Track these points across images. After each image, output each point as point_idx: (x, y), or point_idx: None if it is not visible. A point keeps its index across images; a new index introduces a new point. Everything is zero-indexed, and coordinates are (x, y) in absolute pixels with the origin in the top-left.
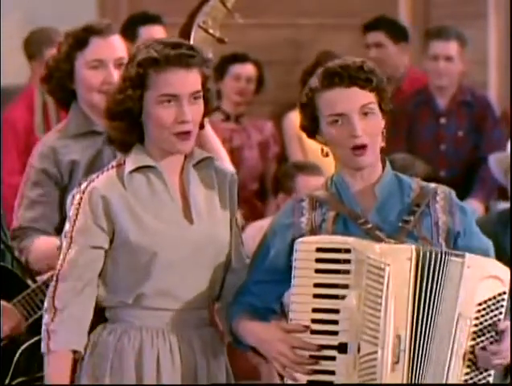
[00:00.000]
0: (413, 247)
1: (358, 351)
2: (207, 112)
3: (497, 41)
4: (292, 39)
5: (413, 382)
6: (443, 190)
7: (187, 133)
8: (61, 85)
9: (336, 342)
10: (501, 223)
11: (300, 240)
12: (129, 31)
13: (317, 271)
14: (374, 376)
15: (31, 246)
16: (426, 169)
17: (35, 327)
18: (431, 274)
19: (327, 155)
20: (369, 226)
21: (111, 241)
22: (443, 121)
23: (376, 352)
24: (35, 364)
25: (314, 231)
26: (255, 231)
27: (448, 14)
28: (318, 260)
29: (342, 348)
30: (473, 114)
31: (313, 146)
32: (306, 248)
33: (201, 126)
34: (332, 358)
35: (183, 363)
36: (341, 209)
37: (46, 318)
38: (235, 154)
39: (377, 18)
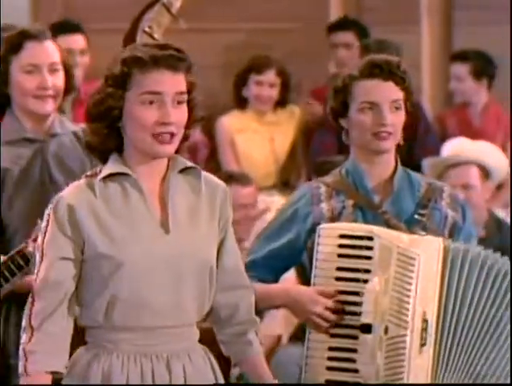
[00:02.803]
0: (440, 239)
1: (386, 332)
2: (191, 122)
3: (430, 46)
4: (227, 43)
5: (439, 364)
6: (447, 188)
7: (170, 136)
8: None
9: (358, 323)
10: None
11: (324, 226)
12: None
13: (340, 256)
14: (402, 357)
15: None
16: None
17: None
18: (466, 270)
19: None
20: (389, 216)
21: (83, 252)
22: None
23: (405, 335)
24: None
25: (335, 218)
26: None
27: (381, 19)
28: (341, 246)
29: (366, 328)
30: (405, 122)
31: (245, 150)
32: (329, 233)
33: (187, 137)
34: (355, 337)
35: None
36: (359, 199)
37: (23, 338)
38: None
39: (344, 19)
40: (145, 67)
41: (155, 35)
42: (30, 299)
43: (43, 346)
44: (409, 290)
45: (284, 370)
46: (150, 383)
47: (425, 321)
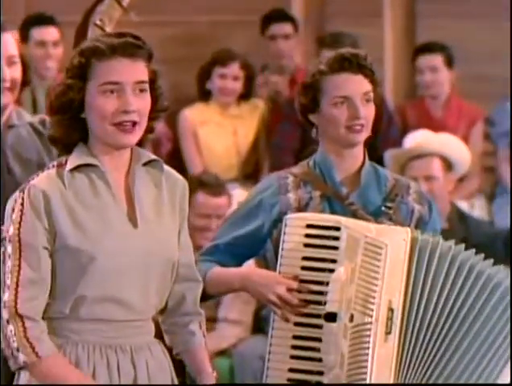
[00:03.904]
0: (408, 229)
1: (351, 320)
2: (155, 112)
3: (393, 38)
4: (186, 36)
5: (403, 354)
6: (414, 184)
7: (132, 125)
8: None
9: (323, 312)
10: None
11: (291, 215)
12: (21, 33)
13: (306, 245)
14: (367, 345)
15: None
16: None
17: None
18: (434, 263)
19: None
20: (356, 207)
21: (54, 242)
22: None
23: (370, 323)
24: None
25: (301, 209)
26: None
27: (343, 11)
28: (307, 236)
29: (330, 317)
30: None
31: (207, 142)
32: (296, 223)
33: (151, 130)
34: (319, 326)
35: (121, 379)
36: (326, 190)
37: (13, 328)
38: None
39: (280, 10)
40: (102, 57)
41: (107, 29)
42: (11, 290)
43: (46, 334)
44: (376, 279)
45: (247, 363)
46: (116, 375)
47: (391, 309)
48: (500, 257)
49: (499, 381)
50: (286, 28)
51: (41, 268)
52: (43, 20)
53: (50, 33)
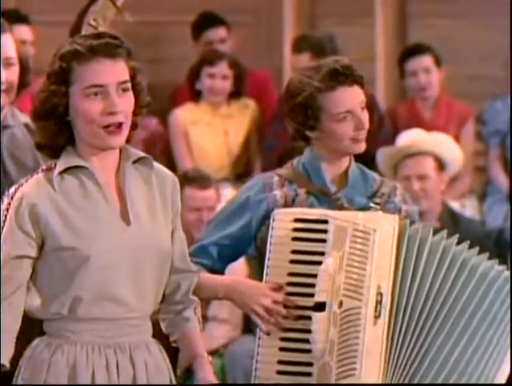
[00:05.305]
0: (396, 217)
1: (340, 306)
2: (138, 108)
3: (385, 38)
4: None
5: (393, 336)
6: (400, 186)
7: (118, 126)
8: None
9: (311, 304)
10: None
11: (278, 211)
12: None
13: (294, 239)
14: (358, 328)
15: None
16: None
17: None
18: (425, 250)
19: None
20: (342, 202)
21: (41, 248)
22: None
23: (360, 307)
24: None
25: (288, 205)
26: None
27: (335, 10)
28: (295, 230)
29: (319, 307)
30: None
31: (198, 142)
32: (284, 218)
33: (135, 126)
34: (308, 318)
35: (121, 378)
36: (311, 188)
37: None
38: None
39: (212, 14)
40: (83, 59)
41: (100, 29)
42: None
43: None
44: (364, 263)
45: (238, 363)
46: (115, 375)
47: (380, 294)
48: (491, 257)
49: (497, 376)
50: (222, 32)
51: (6, 277)
52: (17, 18)
53: (22, 32)
